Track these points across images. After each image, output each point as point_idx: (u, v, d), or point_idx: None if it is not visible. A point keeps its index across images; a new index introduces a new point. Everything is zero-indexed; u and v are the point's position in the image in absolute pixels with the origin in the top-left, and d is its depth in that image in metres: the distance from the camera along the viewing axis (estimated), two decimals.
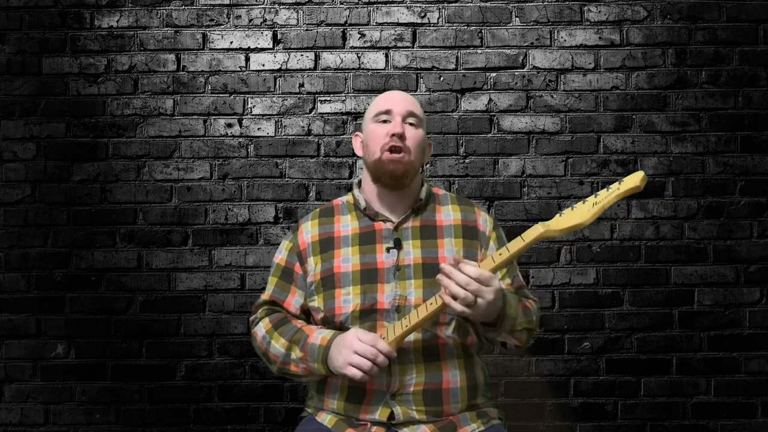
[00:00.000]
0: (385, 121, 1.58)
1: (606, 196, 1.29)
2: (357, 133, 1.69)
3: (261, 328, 1.59)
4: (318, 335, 1.48)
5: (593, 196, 1.31)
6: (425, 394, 1.46)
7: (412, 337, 1.47)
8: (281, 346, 1.52)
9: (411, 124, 1.58)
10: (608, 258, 2.46)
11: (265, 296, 1.64)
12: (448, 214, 1.61)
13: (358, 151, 1.67)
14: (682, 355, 2.45)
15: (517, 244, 1.37)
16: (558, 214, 1.34)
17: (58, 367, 2.45)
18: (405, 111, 1.58)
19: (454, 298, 1.33)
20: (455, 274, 1.33)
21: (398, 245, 1.53)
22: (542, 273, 2.46)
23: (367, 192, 1.62)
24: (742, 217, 2.46)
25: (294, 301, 1.59)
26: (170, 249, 2.47)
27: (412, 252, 1.53)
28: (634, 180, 1.26)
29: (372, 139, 1.58)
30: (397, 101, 1.60)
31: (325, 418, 1.52)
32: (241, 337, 2.45)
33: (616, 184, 1.29)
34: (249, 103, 2.48)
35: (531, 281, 2.46)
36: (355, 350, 1.39)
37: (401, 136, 1.54)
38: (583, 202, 1.31)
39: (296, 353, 1.50)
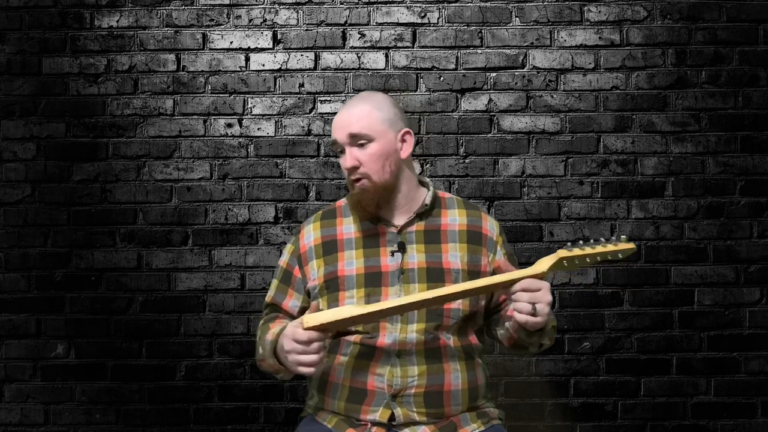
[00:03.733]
0: (342, 150, 1.53)
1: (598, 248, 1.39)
2: None
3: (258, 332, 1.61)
4: (273, 330, 1.48)
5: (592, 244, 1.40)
6: (426, 395, 1.46)
7: (414, 338, 1.47)
8: (257, 343, 1.55)
9: (360, 144, 1.51)
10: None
11: (267, 299, 1.64)
12: (454, 219, 1.59)
13: None
14: (682, 355, 2.45)
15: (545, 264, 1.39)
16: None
17: (58, 367, 2.45)
18: (346, 137, 1.51)
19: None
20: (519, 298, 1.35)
21: (402, 249, 1.53)
22: None
23: None
24: (742, 217, 2.46)
25: (291, 303, 1.59)
26: (170, 249, 2.47)
27: (416, 256, 1.52)
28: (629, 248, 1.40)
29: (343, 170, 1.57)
30: (338, 130, 1.52)
31: (326, 418, 1.52)
32: (241, 337, 2.45)
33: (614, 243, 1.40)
34: (249, 103, 2.49)
35: None
36: (288, 350, 1.36)
37: (353, 170, 1.50)
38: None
39: (261, 350, 1.51)
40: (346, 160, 1.50)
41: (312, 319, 1.33)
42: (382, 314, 1.39)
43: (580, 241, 1.40)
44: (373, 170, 1.51)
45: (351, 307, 1.36)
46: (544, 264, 1.36)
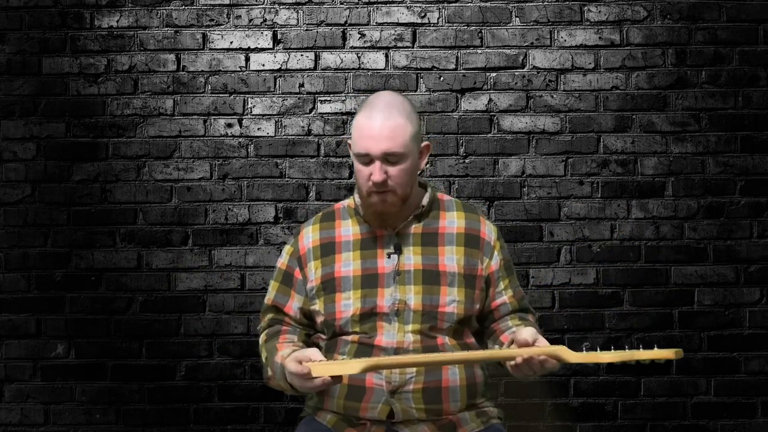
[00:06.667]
0: (367, 163, 1.50)
1: (632, 353, 1.32)
2: (348, 141, 1.60)
3: (260, 341, 1.62)
4: (282, 353, 1.48)
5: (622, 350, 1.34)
6: (425, 392, 1.46)
7: (411, 337, 1.48)
8: (264, 362, 1.56)
9: (392, 162, 1.48)
10: (608, 258, 2.46)
11: (267, 301, 1.64)
12: (452, 221, 1.59)
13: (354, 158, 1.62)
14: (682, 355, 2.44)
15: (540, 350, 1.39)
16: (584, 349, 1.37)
17: (58, 367, 2.45)
18: (381, 153, 1.46)
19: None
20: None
21: (399, 250, 1.53)
22: (542, 273, 2.46)
23: None
24: (742, 217, 2.46)
25: (294, 305, 1.60)
26: (170, 249, 2.47)
27: (413, 258, 1.53)
28: (668, 354, 1.31)
29: (358, 175, 1.53)
30: (373, 142, 1.46)
31: (325, 418, 1.52)
32: (241, 337, 2.45)
33: (650, 351, 1.31)
34: (249, 103, 2.49)
35: (531, 281, 2.46)
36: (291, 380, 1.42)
37: (383, 184, 1.47)
38: (611, 350, 1.35)
39: (270, 371, 1.52)
40: (376, 174, 1.46)
41: (318, 369, 1.37)
42: (384, 367, 1.43)
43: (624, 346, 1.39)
44: (400, 185, 1.49)
45: (355, 362, 1.39)
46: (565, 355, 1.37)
